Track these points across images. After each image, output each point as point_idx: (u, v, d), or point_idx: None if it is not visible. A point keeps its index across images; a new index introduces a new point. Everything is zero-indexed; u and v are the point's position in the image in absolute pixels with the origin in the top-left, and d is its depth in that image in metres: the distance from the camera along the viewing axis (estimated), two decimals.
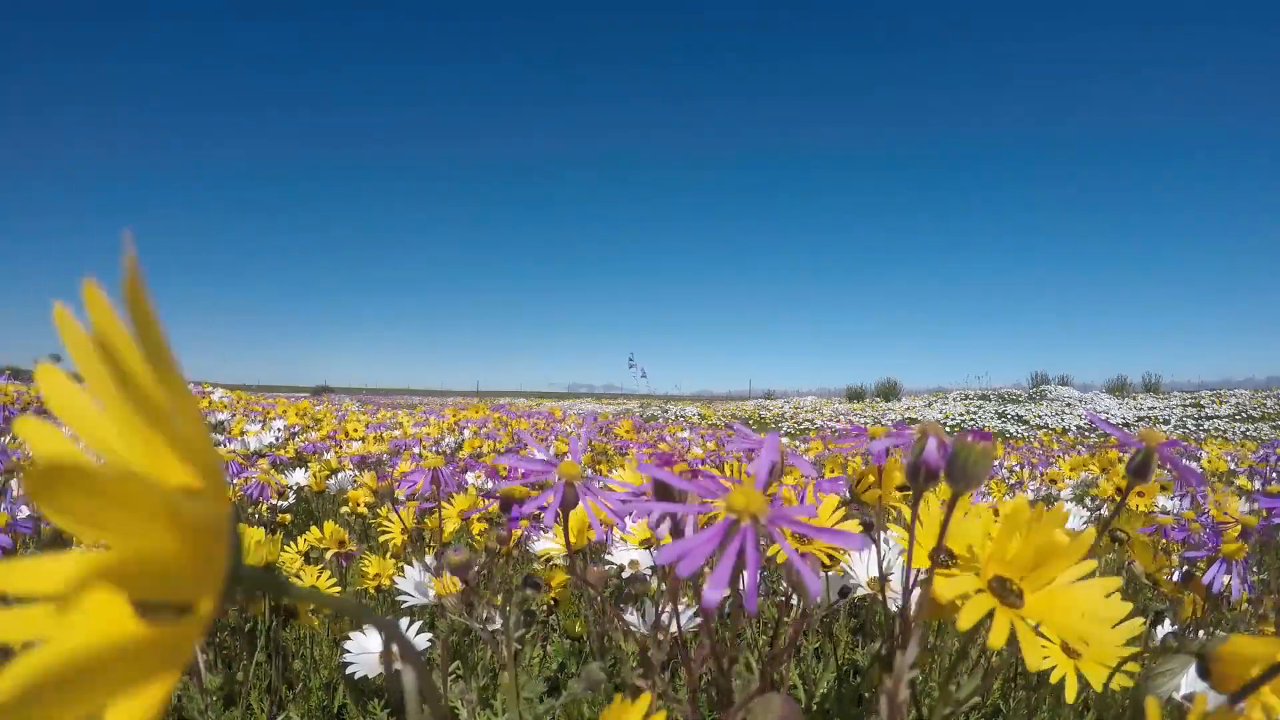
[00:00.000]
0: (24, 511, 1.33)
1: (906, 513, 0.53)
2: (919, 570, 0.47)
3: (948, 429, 0.41)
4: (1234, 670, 0.35)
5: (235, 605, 1.21)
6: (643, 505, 0.39)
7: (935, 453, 0.40)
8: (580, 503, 0.47)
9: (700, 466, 0.49)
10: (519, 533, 1.18)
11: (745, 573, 0.28)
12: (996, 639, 0.34)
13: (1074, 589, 0.39)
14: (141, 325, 0.17)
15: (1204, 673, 0.37)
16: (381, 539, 1.31)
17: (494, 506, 0.81)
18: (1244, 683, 0.35)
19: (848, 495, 0.68)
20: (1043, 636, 0.50)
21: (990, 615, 0.36)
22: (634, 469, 0.96)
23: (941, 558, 0.42)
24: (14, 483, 1.58)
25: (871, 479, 0.63)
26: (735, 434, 0.57)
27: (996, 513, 0.53)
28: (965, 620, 0.35)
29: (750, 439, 0.52)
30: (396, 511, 1.24)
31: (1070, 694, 0.39)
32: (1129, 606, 0.40)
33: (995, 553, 0.39)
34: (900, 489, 0.65)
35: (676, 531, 0.49)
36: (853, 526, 0.58)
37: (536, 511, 0.47)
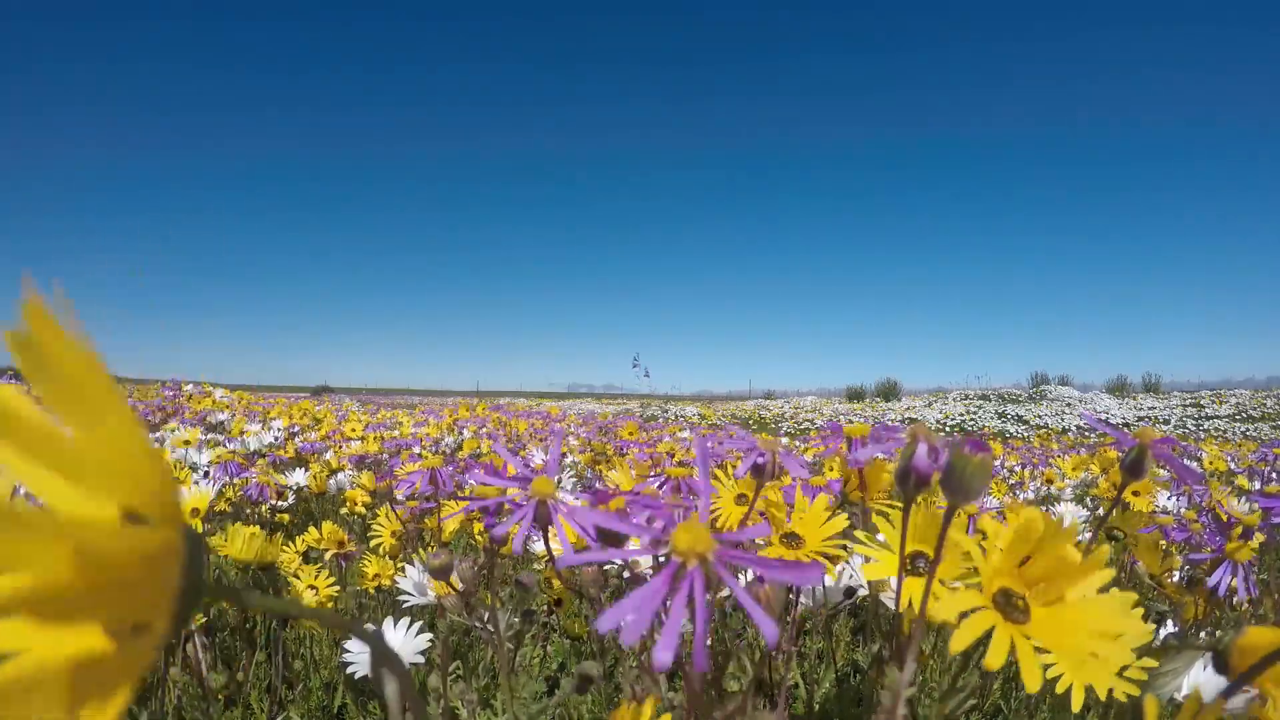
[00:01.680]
0: None
1: (884, 526, 0.53)
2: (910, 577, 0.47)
3: (947, 429, 0.41)
4: (1254, 660, 0.35)
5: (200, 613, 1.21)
6: (585, 556, 0.35)
7: (925, 458, 0.39)
8: (553, 521, 0.45)
9: (698, 468, 0.48)
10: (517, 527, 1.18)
11: (695, 625, 0.26)
12: (994, 659, 0.32)
13: (1085, 604, 0.37)
14: (52, 351, 0.16)
15: (1222, 666, 0.37)
16: (372, 543, 1.31)
17: (475, 510, 0.81)
18: (1266, 673, 0.35)
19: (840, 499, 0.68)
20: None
21: (990, 632, 0.34)
22: (625, 472, 0.96)
23: (920, 564, 0.41)
24: None
25: (854, 481, 0.63)
26: (733, 435, 0.57)
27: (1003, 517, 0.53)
28: (959, 641, 0.33)
29: (744, 440, 0.52)
30: (395, 511, 1.24)
31: (1076, 703, 0.38)
32: (1145, 625, 0.38)
33: (1002, 564, 0.37)
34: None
35: (628, 568, 0.47)
36: (841, 523, 0.58)
37: (504, 535, 0.46)
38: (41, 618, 0.16)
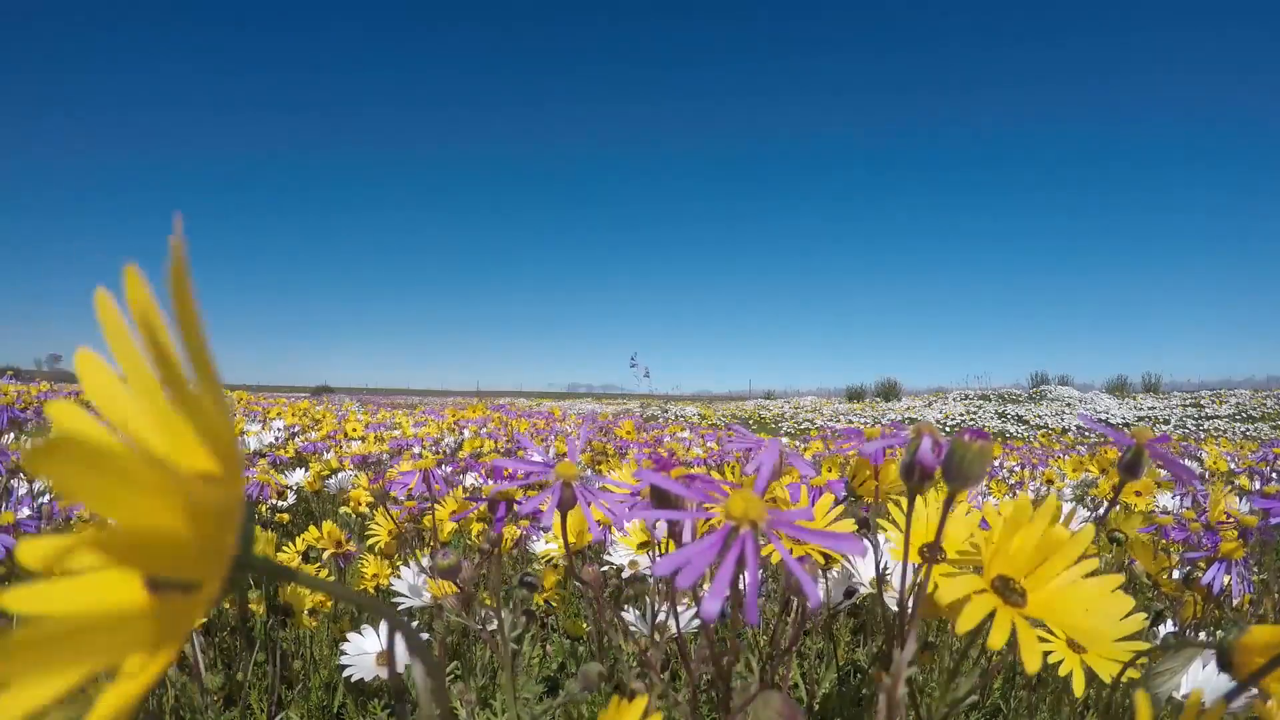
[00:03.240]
0: (25, 511, 1.33)
1: (899, 515, 0.53)
2: (915, 568, 0.47)
3: (947, 429, 0.41)
4: (1256, 659, 0.36)
5: (235, 593, 1.21)
6: (641, 512, 0.38)
7: (930, 452, 0.41)
8: (578, 504, 0.47)
9: (698, 468, 0.48)
10: (518, 532, 1.18)
11: (746, 582, 0.28)
12: (997, 639, 0.34)
13: (1076, 586, 0.39)
14: (182, 311, 0.18)
15: (1226, 664, 0.37)
16: (369, 542, 1.31)
17: (483, 508, 0.81)
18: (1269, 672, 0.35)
19: (844, 494, 0.68)
20: (1048, 631, 0.50)
21: (992, 615, 0.36)
22: (629, 470, 0.96)
23: (937, 556, 0.42)
24: (16, 482, 1.58)
25: (867, 474, 0.64)
26: (735, 434, 0.57)
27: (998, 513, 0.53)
28: (966, 622, 0.34)
29: (749, 439, 0.52)
30: (390, 513, 1.24)
31: (1078, 689, 0.39)
32: (1132, 602, 0.39)
33: (998, 551, 0.39)
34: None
35: (674, 536, 0.48)
36: (848, 525, 0.58)
37: (527, 517, 0.47)
38: (135, 564, 0.17)
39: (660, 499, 0.41)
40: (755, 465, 0.38)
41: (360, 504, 1.65)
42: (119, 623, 0.17)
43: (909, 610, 0.43)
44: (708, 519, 0.35)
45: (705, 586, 0.47)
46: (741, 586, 0.31)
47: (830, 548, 0.29)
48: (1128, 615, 0.41)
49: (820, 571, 0.77)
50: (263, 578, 1.13)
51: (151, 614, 0.17)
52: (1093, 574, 0.40)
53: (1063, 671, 0.43)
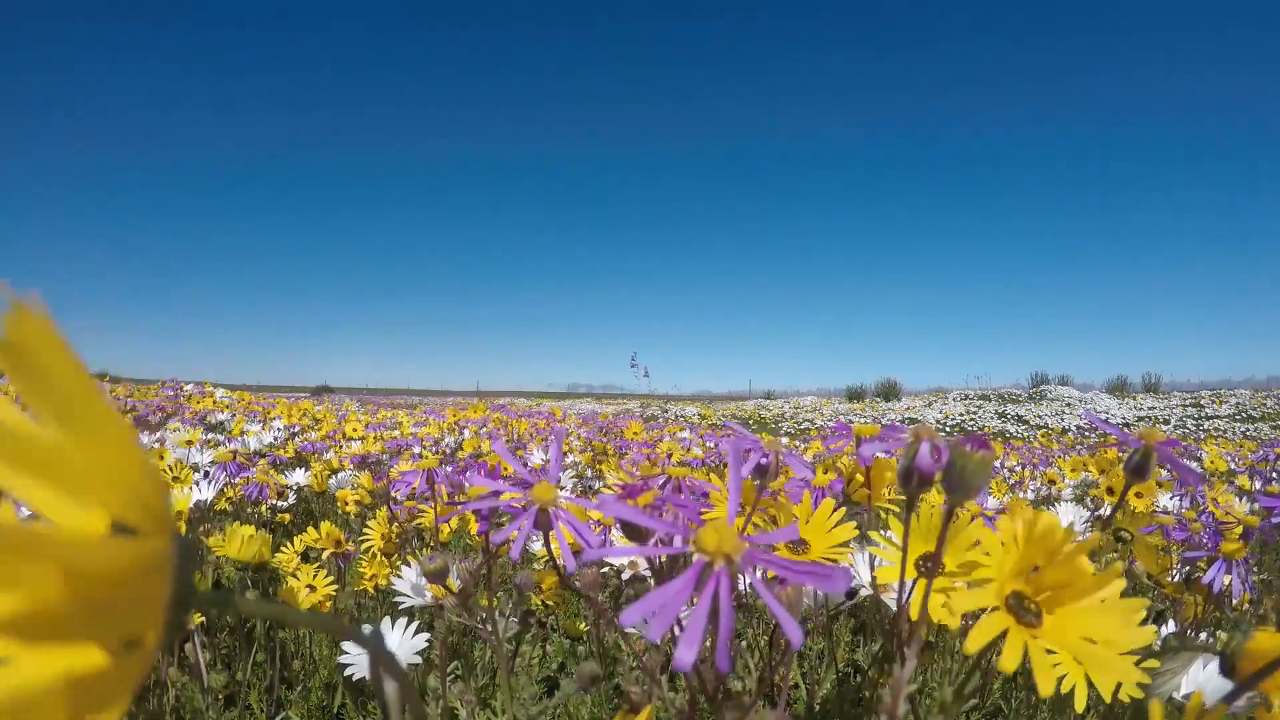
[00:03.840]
0: None
1: (895, 525, 0.52)
2: (913, 579, 0.47)
3: (948, 429, 0.41)
4: (1260, 666, 0.35)
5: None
6: (609, 550, 0.35)
7: (928, 457, 0.39)
8: (553, 528, 0.44)
9: (698, 470, 0.48)
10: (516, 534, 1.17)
11: (720, 625, 0.25)
12: (1009, 662, 0.32)
13: (1095, 612, 0.36)
14: (40, 357, 0.16)
15: (1229, 670, 0.37)
16: (364, 545, 1.30)
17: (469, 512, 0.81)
18: (1270, 677, 0.35)
19: (842, 498, 0.67)
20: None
21: (1003, 635, 0.34)
22: (623, 473, 0.95)
23: (938, 569, 0.41)
24: None
25: (860, 479, 0.63)
26: (734, 434, 0.56)
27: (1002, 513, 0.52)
28: (974, 642, 0.33)
29: (748, 439, 0.52)
30: (392, 512, 1.24)
31: (1080, 703, 0.38)
32: (1152, 633, 0.38)
33: (1016, 568, 0.37)
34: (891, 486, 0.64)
35: (649, 566, 0.47)
36: (849, 531, 0.58)
37: (512, 535, 0.45)
38: (31, 638, 0.16)
39: (629, 531, 0.39)
40: (729, 483, 0.35)
41: (348, 504, 1.64)
42: (56, 691, 0.15)
43: (913, 624, 0.43)
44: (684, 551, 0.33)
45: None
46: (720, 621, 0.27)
47: (814, 584, 0.27)
48: (1140, 648, 0.39)
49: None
50: (261, 579, 1.13)
51: (95, 675, 0.16)
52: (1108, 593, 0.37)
53: (1066, 687, 0.42)
